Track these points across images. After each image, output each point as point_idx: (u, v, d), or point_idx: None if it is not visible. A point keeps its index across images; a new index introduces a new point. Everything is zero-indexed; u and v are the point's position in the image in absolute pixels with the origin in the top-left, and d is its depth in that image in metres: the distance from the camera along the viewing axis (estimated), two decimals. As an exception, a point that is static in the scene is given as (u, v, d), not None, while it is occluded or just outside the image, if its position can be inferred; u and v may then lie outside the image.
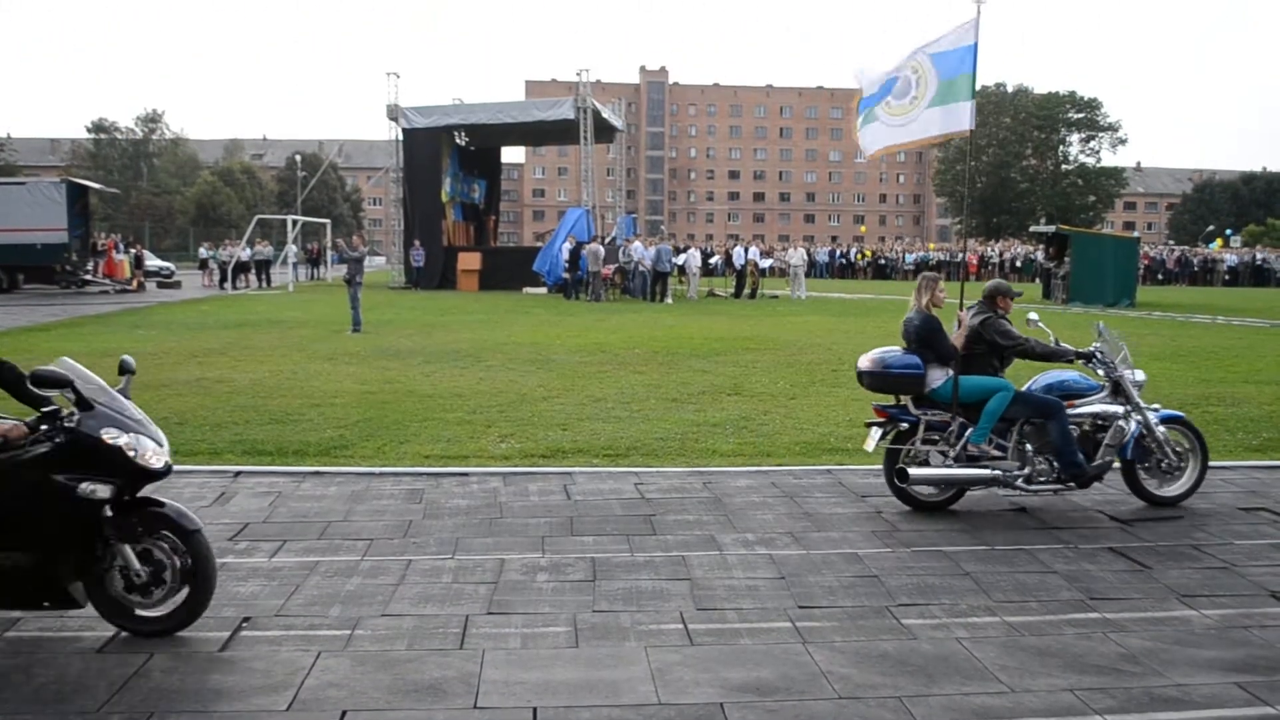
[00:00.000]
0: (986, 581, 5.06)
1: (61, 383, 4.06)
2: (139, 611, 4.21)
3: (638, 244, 30.40)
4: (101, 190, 41.31)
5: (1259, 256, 50.73)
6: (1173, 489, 6.52)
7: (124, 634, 4.24)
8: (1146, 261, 45.18)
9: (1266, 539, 5.89)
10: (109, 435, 4.05)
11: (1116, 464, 6.47)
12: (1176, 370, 13.07)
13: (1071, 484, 6.33)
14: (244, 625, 4.36)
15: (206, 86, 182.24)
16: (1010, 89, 78.03)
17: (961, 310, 6.70)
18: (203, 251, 39.84)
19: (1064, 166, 76.51)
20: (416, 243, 33.81)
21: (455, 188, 36.96)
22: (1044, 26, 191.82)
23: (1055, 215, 63.54)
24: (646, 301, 27.83)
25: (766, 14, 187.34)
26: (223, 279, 35.33)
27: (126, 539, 4.15)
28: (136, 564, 4.15)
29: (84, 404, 4.09)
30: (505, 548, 5.52)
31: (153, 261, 39.66)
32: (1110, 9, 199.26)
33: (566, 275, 28.94)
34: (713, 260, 43.19)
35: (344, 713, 3.58)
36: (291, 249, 39.51)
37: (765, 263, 34.60)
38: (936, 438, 6.36)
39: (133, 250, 35.45)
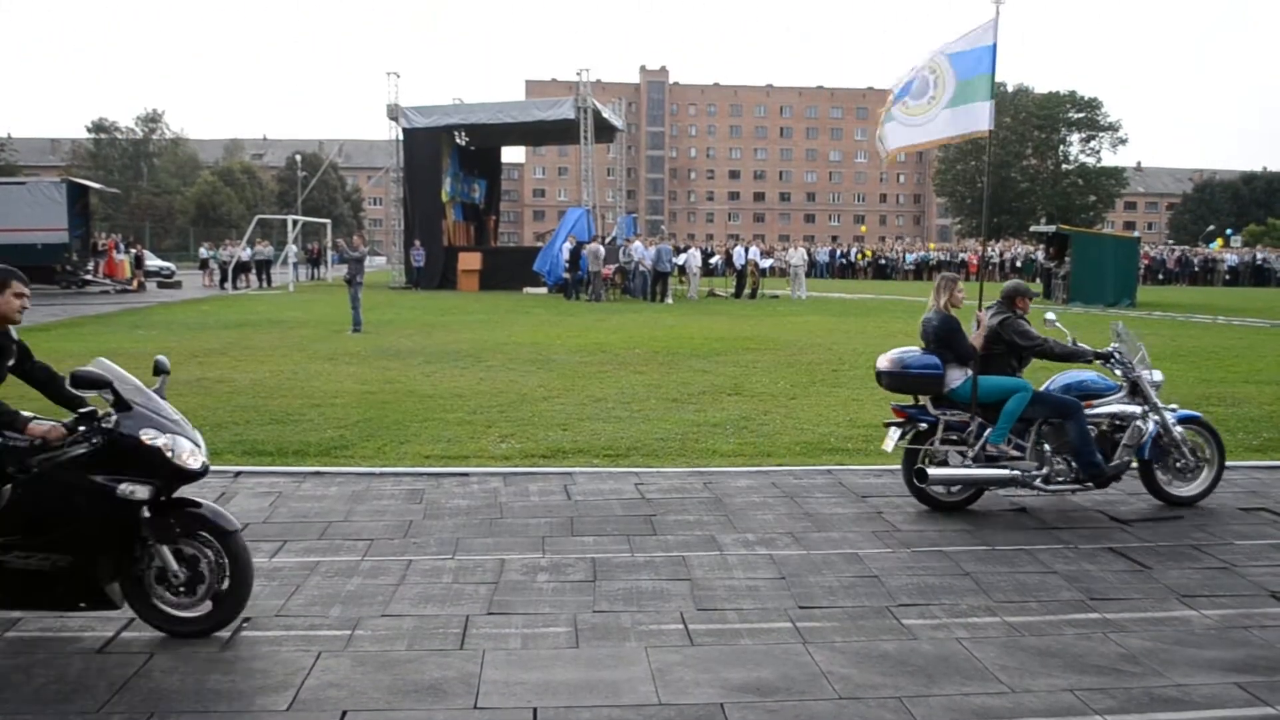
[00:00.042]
0: (987, 582, 5.06)
1: (100, 383, 4.06)
2: (176, 612, 4.21)
3: (638, 244, 30.40)
4: (102, 190, 41.32)
5: (1259, 256, 50.74)
6: (1190, 489, 6.54)
7: (126, 633, 4.25)
8: (1147, 261, 45.19)
9: (1266, 539, 5.89)
10: (147, 436, 4.05)
11: (1134, 464, 6.49)
12: (1177, 370, 13.06)
13: (1090, 484, 6.34)
14: (244, 625, 4.35)
15: (206, 86, 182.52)
16: (1010, 89, 77.92)
17: (980, 310, 6.71)
18: (203, 251, 39.87)
19: (1064, 166, 76.44)
20: (417, 243, 33.82)
21: (455, 188, 36.97)
22: (1044, 26, 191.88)
23: (1055, 215, 63.49)
24: (647, 301, 27.83)
25: (766, 14, 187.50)
26: (223, 279, 35.34)
27: (164, 540, 4.15)
28: (174, 565, 4.15)
29: (122, 405, 4.08)
30: (505, 548, 5.52)
31: (153, 261, 39.63)
32: (1110, 9, 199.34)
33: (567, 275, 28.94)
34: (713, 260, 43.20)
35: (344, 713, 3.58)
36: (292, 249, 39.52)
37: (765, 263, 34.61)
38: (955, 438, 6.38)
39: (133, 250, 35.45)
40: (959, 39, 6.83)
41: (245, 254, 36.71)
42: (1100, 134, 76.50)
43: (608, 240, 32.87)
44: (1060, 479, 6.33)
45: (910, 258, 52.62)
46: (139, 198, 72.43)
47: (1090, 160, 76.77)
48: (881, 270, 51.93)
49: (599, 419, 9.37)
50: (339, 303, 21.84)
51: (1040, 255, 37.09)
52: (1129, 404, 6.46)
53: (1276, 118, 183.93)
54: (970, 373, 6.36)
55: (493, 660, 4.04)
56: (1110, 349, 6.56)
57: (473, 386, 11.26)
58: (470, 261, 33.11)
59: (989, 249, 52.87)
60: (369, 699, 3.69)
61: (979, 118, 6.73)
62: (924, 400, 6.49)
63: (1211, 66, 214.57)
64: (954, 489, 6.41)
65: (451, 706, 3.64)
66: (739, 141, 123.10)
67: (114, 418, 4.08)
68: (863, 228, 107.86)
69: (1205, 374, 12.78)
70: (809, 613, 4.61)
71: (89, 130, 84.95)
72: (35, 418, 4.09)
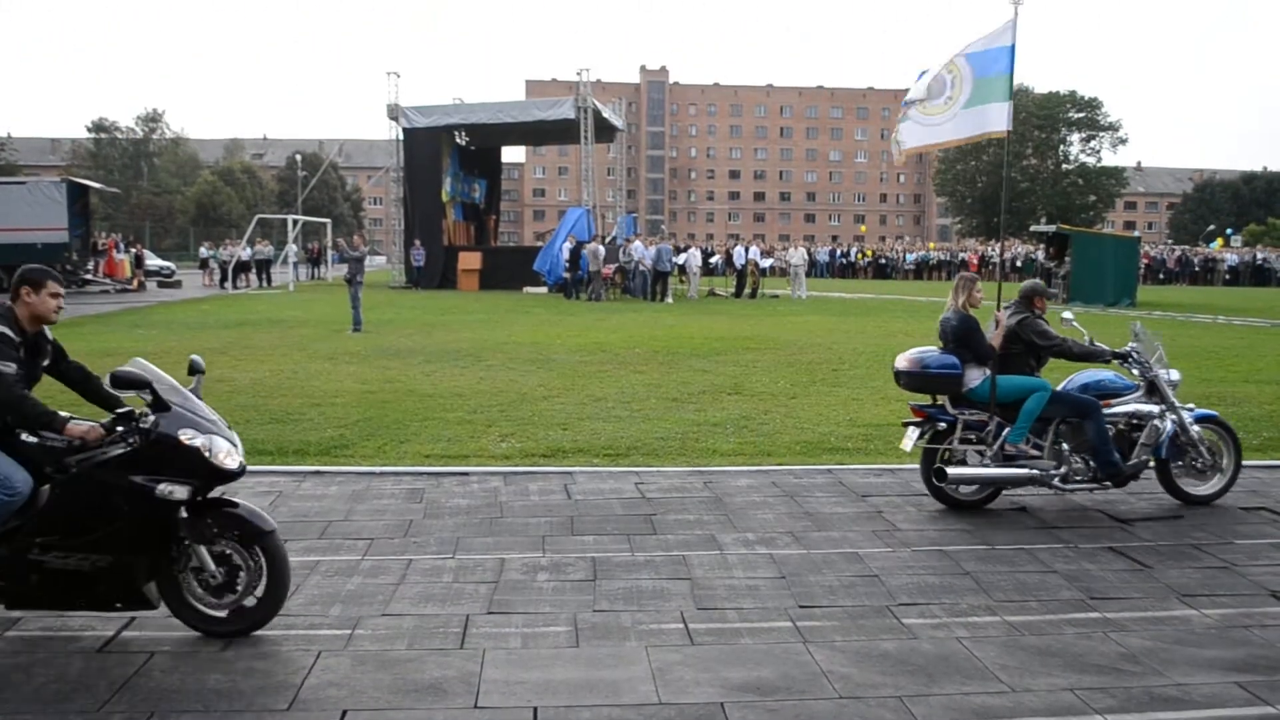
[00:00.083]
0: (987, 581, 5.06)
1: (140, 384, 4.05)
2: (213, 612, 4.21)
3: (638, 244, 30.40)
4: (102, 190, 41.31)
5: (1259, 256, 50.75)
6: (1207, 488, 6.57)
7: (126, 632, 4.25)
8: (1147, 261, 45.20)
9: (1266, 539, 5.89)
10: (186, 436, 4.05)
11: (1151, 463, 6.50)
12: (1177, 370, 13.05)
13: (1108, 483, 6.37)
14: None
15: (206, 86, 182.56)
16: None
17: (999, 310, 6.72)
18: (203, 251, 39.90)
19: (1064, 166, 76.39)
20: (417, 242, 33.81)
21: (455, 187, 36.97)
22: (1044, 26, 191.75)
23: (1055, 215, 63.47)
24: (647, 301, 27.82)
25: (766, 14, 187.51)
26: (223, 278, 35.35)
27: (201, 540, 4.15)
28: (211, 565, 4.16)
29: (160, 404, 4.07)
30: (506, 547, 5.52)
31: (153, 261, 39.64)
32: (1110, 9, 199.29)
33: (567, 275, 28.94)
34: (713, 260, 43.21)
35: (344, 713, 3.58)
36: (292, 249, 39.52)
37: (765, 262, 34.63)
38: (973, 437, 6.40)
39: (133, 250, 35.47)
40: (977, 40, 6.84)
41: (245, 254, 36.71)
42: (1100, 134, 76.42)
43: (608, 240, 32.89)
44: (1078, 478, 6.36)
45: (910, 257, 52.64)
46: (139, 197, 72.41)
47: (1090, 160, 76.72)
48: (881, 270, 51.95)
49: (599, 418, 9.37)
50: (339, 302, 21.84)
51: (1040, 255, 37.09)
52: (1146, 403, 6.50)
53: (1276, 118, 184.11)
54: (989, 372, 6.39)
55: (493, 660, 4.04)
56: (1128, 348, 6.60)
57: (473, 386, 11.26)
58: (470, 261, 33.11)
59: (989, 248, 52.92)
60: (369, 699, 3.69)
61: (997, 118, 6.75)
62: (942, 400, 6.50)
63: (1211, 66, 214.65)
64: (972, 488, 6.43)
65: (451, 706, 3.64)
66: (739, 141, 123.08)
67: (152, 418, 4.07)
68: (863, 227, 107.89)
69: (1205, 374, 12.78)
70: (809, 612, 4.61)
71: (89, 130, 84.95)
72: (73, 418, 4.09)
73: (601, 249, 28.40)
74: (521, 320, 20.54)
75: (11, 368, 4.03)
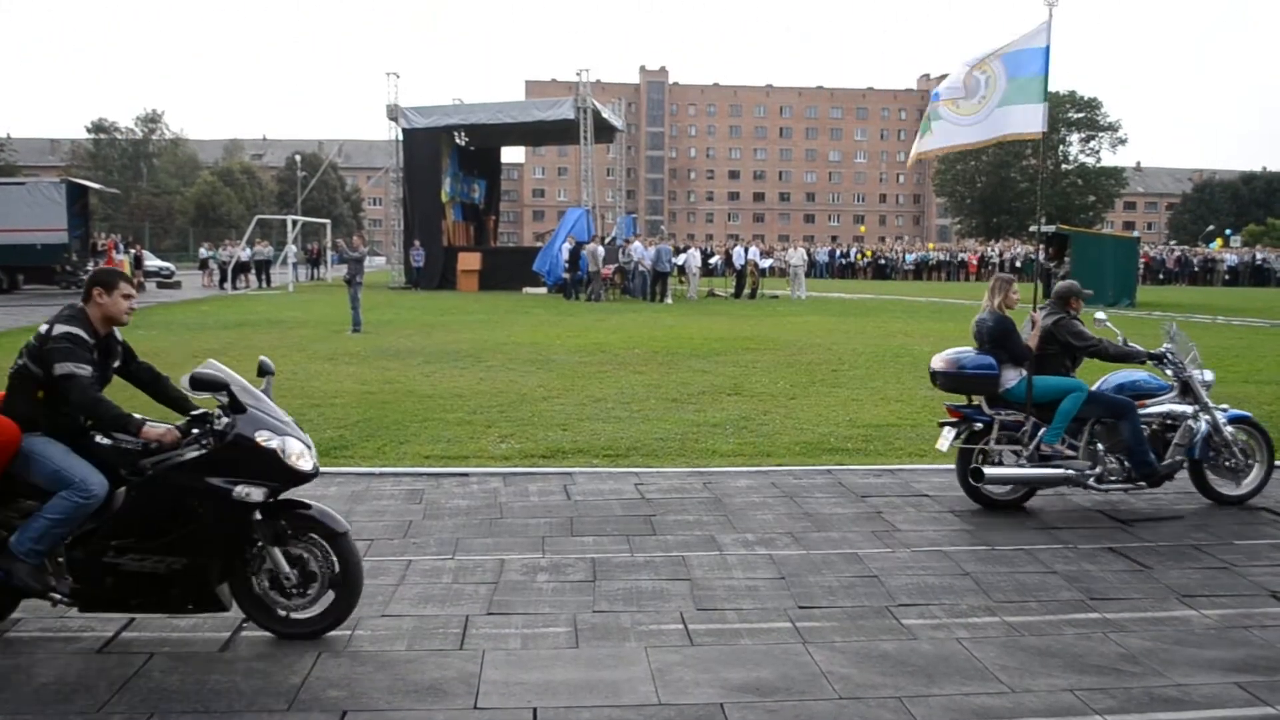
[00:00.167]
0: (986, 581, 5.06)
1: (219, 385, 4.05)
2: (286, 614, 4.21)
3: (638, 244, 30.40)
4: (101, 190, 41.34)
5: (1259, 256, 50.75)
6: (1239, 489, 6.58)
7: (126, 633, 4.25)
8: (1146, 261, 45.18)
9: (1266, 539, 5.89)
10: (262, 438, 4.05)
11: (1185, 463, 6.53)
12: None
13: (1142, 483, 6.40)
14: (244, 625, 4.34)
15: (206, 86, 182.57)
16: (1010, 89, 77.82)
17: (1034, 311, 6.74)
18: (203, 251, 39.86)
19: (1064, 166, 76.44)
20: (416, 243, 33.82)
21: (455, 188, 36.97)
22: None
23: (1055, 215, 63.49)
24: (646, 301, 27.83)
25: (766, 14, 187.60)
26: (223, 279, 35.34)
27: (275, 542, 4.15)
28: (285, 567, 4.15)
29: (237, 406, 4.07)
30: (505, 548, 5.52)
31: (152, 262, 39.64)
32: (1110, 9, 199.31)
33: (566, 275, 28.94)
34: (713, 260, 43.20)
35: (344, 713, 3.58)
36: (291, 249, 39.52)
37: (765, 263, 34.61)
38: (1009, 437, 6.42)
39: (132, 250, 35.37)
40: (1012, 41, 6.85)
41: (245, 254, 36.71)
42: (1100, 134, 76.53)
43: (607, 240, 32.88)
44: (1113, 478, 6.39)
45: (910, 258, 52.64)
46: (139, 198, 72.41)
47: (1090, 160, 76.79)
48: (881, 270, 51.95)
49: (599, 419, 9.37)
50: (339, 303, 21.84)
51: (1040, 255, 37.07)
52: (1180, 404, 6.54)
53: (1276, 118, 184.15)
54: (1025, 373, 6.41)
55: (492, 660, 4.04)
56: (1162, 349, 6.65)
57: (472, 386, 11.26)
58: (470, 261, 33.11)
59: (988, 248, 52.91)
60: (369, 699, 3.69)
61: (1031, 119, 6.75)
62: (978, 400, 6.51)
63: (1211, 66, 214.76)
64: (1006, 488, 6.45)
65: (451, 706, 3.64)
66: (739, 141, 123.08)
67: (226, 420, 4.07)
68: (862, 228, 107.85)
69: (1205, 374, 12.77)
70: (809, 613, 4.61)
71: (89, 130, 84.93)
72: (147, 420, 4.09)
73: (601, 249, 28.40)
74: (521, 321, 20.54)
75: (87, 370, 4.03)
